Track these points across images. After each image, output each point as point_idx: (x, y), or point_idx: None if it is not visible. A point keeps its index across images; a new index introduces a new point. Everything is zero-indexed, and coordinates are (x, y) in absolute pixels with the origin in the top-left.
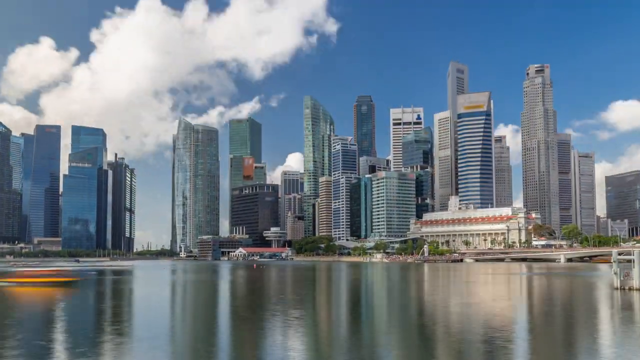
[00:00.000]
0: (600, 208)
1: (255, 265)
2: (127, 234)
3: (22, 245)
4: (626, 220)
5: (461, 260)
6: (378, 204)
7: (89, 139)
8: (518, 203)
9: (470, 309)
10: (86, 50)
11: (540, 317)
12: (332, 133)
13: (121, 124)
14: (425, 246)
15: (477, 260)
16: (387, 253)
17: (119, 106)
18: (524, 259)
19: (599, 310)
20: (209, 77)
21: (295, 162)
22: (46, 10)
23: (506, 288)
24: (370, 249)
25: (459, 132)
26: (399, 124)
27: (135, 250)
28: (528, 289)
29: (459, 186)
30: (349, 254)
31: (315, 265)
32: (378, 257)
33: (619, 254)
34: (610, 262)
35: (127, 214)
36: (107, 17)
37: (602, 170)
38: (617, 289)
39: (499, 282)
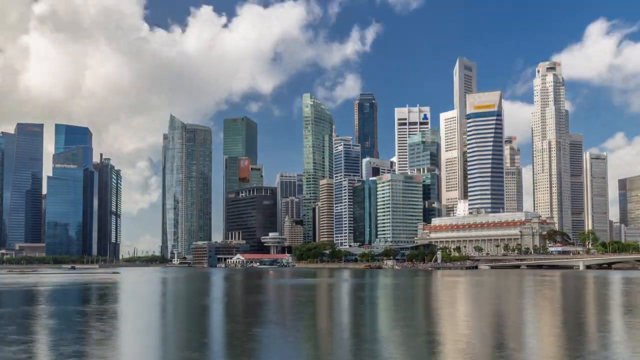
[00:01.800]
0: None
1: (272, 272)
2: (113, 239)
3: (3, 251)
4: None
5: (476, 267)
6: (383, 208)
7: (74, 139)
8: (528, 207)
9: None
10: None
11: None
12: (332, 133)
13: None
14: (438, 252)
15: (492, 267)
16: (397, 260)
17: None
18: (539, 266)
19: None
20: None
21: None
22: None
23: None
24: (379, 255)
25: (468, 133)
26: (404, 124)
27: (122, 257)
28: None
29: (469, 190)
30: (355, 260)
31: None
32: (389, 264)
33: None
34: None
35: (114, 218)
36: None
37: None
38: None
39: None
